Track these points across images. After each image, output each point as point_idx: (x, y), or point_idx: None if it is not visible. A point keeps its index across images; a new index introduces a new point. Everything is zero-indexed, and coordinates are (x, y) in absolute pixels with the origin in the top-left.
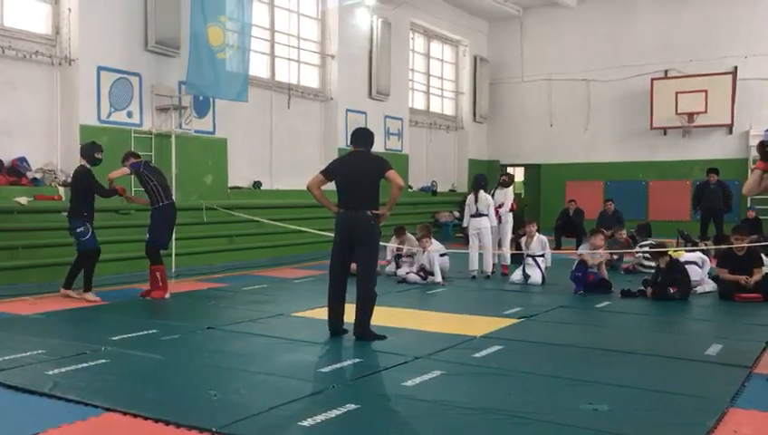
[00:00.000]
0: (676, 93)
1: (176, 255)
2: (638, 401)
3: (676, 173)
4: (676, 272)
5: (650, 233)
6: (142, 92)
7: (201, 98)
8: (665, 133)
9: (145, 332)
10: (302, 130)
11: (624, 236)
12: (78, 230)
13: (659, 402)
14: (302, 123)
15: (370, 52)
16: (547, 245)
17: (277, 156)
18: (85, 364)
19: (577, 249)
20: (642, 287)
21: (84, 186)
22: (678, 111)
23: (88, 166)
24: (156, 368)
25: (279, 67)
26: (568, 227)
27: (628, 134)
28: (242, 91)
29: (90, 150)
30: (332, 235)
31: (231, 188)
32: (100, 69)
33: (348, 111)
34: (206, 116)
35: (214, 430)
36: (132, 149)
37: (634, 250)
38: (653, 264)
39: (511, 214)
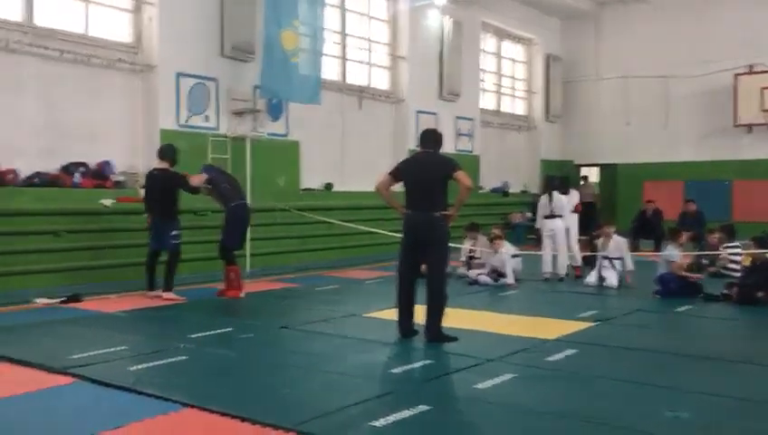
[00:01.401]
0: (762, 89)
1: (250, 255)
2: (722, 409)
3: (763, 172)
4: (765, 274)
5: (735, 235)
6: (219, 97)
7: (275, 101)
8: (750, 130)
9: (221, 330)
10: (372, 131)
11: (716, 238)
12: (174, 233)
13: (745, 411)
14: (373, 125)
15: (441, 52)
16: (625, 247)
17: (348, 157)
18: (165, 361)
19: (656, 251)
20: (726, 291)
21: (177, 187)
22: (765, 108)
23: (170, 168)
24: (232, 365)
25: (350, 70)
26: (645, 229)
27: (710, 132)
28: (314, 94)
29: (175, 152)
30: (401, 236)
31: (303, 189)
32: (178, 75)
33: (418, 112)
34: (280, 119)
35: (289, 427)
36: (209, 153)
37: (723, 252)
38: (738, 267)
39: (576, 215)
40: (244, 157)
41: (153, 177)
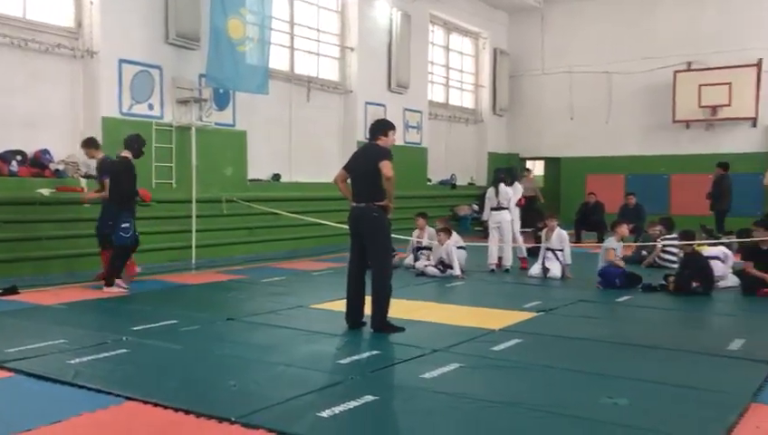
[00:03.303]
0: (700, 86)
1: (196, 246)
2: (658, 395)
3: (699, 167)
4: (699, 266)
5: (673, 227)
6: (163, 85)
7: (221, 91)
8: (687, 126)
9: (165, 322)
10: (321, 122)
11: (656, 230)
12: (124, 226)
13: (680, 397)
14: (322, 116)
15: (390, 44)
16: (566, 240)
17: (296, 148)
18: (106, 354)
19: (598, 243)
20: (664, 282)
21: (131, 177)
22: (702, 104)
23: (131, 158)
24: (176, 358)
25: (298, 60)
26: (588, 221)
27: (651, 127)
28: (262, 84)
29: (140, 143)
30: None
31: (250, 180)
32: (121, 62)
33: (367, 103)
34: (227, 109)
35: (232, 419)
36: (153, 142)
37: (661, 244)
38: (675, 258)
39: (518, 209)
40: (189, 146)
41: (118, 163)
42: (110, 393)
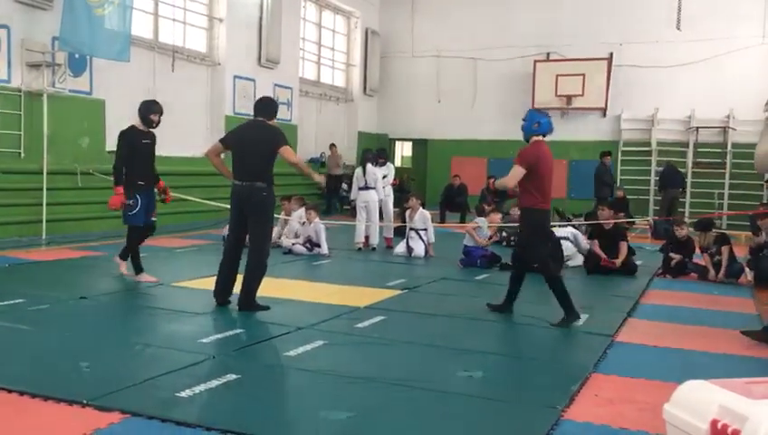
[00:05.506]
0: (557, 76)
1: (47, 221)
2: (510, 367)
3: (554, 153)
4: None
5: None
6: (11, 47)
7: (77, 56)
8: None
9: (10, 301)
10: (187, 94)
11: (518, 213)
12: (127, 203)
13: (530, 368)
14: (188, 88)
15: (260, 18)
16: (429, 220)
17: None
18: None
19: (461, 223)
20: None
21: (122, 146)
22: (558, 93)
23: (139, 126)
24: (22, 339)
25: (163, 28)
26: (452, 202)
27: (512, 113)
28: (122, 51)
29: (144, 109)
30: (216, 204)
31: (109, 152)
32: None
33: (236, 77)
34: (83, 75)
35: (85, 402)
36: None
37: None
38: None
39: (391, 188)
40: (40, 114)
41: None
42: None
